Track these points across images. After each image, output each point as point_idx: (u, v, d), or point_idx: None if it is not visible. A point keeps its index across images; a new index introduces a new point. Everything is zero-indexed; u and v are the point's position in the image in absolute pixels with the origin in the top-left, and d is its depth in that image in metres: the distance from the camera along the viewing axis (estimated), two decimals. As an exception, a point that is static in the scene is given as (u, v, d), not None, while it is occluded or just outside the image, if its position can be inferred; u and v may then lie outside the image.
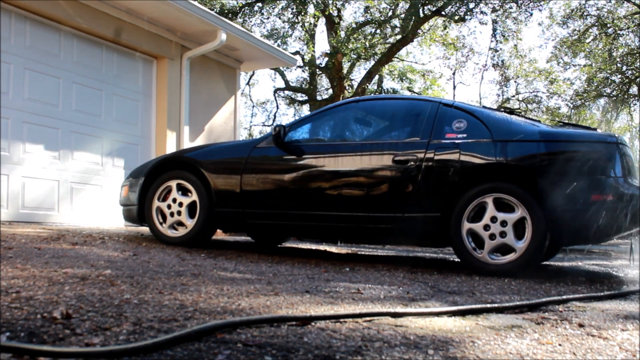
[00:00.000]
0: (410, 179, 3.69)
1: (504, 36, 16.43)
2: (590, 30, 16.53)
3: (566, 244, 4.63)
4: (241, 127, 21.55)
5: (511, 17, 15.69)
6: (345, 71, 16.11)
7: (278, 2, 15.77)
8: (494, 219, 3.44)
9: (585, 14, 16.17)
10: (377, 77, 17.33)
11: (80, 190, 5.98)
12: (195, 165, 4.29)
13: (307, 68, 17.76)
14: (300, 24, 16.21)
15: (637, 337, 1.81)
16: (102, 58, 6.32)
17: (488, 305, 2.18)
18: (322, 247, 5.56)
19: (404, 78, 18.68)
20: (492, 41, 16.92)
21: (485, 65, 18.69)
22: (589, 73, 17.67)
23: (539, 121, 4.01)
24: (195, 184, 4.22)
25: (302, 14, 15.52)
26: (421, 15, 14.87)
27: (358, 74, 17.99)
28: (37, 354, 1.19)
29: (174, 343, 1.36)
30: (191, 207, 4.23)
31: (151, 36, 6.66)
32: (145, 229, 5.36)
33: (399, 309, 2.08)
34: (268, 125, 22.65)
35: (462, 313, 2.05)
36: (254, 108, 23.91)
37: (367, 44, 15.21)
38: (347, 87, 15.86)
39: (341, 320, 1.80)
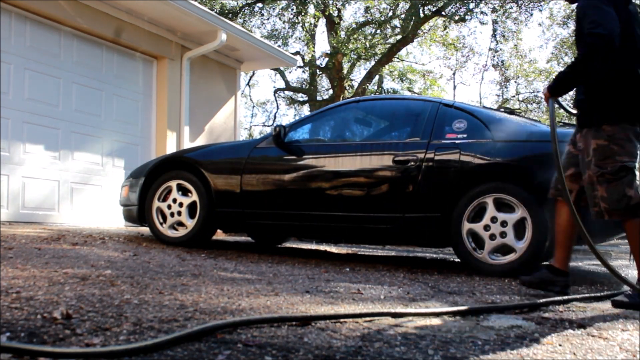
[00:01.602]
0: (410, 179, 3.69)
1: (504, 36, 16.44)
2: (590, 31, 16.50)
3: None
4: (241, 127, 21.55)
5: (511, 17, 15.68)
6: (345, 71, 16.11)
7: (278, 2, 15.77)
8: (494, 219, 3.44)
9: (585, 14, 16.14)
10: (377, 77, 17.33)
11: (80, 191, 5.98)
12: (196, 166, 4.29)
13: (307, 68, 17.77)
14: (301, 24, 16.21)
15: (637, 337, 1.81)
16: (102, 58, 6.32)
17: (489, 306, 2.18)
18: (322, 247, 5.56)
19: (404, 78, 18.68)
20: (492, 41, 16.93)
21: (486, 65, 18.70)
22: (589, 73, 17.64)
23: (539, 121, 4.01)
24: (196, 184, 4.22)
25: (302, 14, 15.52)
26: (421, 15, 14.87)
27: (358, 74, 18.01)
28: (38, 354, 1.19)
29: (174, 343, 1.36)
30: (191, 207, 4.23)
31: (151, 36, 6.66)
32: (145, 229, 5.36)
33: (399, 309, 2.08)
34: (268, 126, 22.66)
35: (462, 313, 2.05)
36: (254, 108, 23.92)
37: (367, 44, 15.21)
38: (347, 88, 15.86)
39: (341, 320, 1.80)
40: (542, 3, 15.23)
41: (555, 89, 2.52)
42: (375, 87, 17.82)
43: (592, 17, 2.30)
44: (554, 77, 2.53)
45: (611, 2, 2.34)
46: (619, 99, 2.42)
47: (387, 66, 16.68)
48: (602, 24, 2.27)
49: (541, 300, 2.37)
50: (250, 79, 19.95)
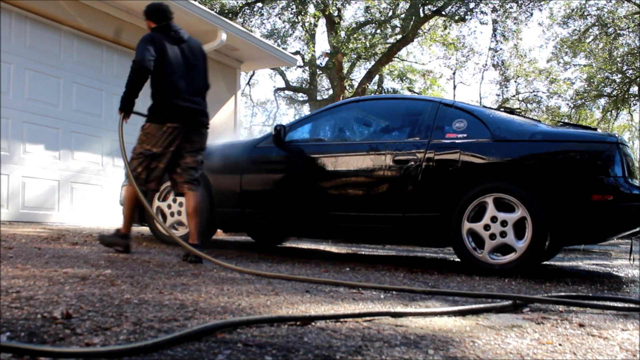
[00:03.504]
0: (410, 179, 3.69)
1: (504, 36, 16.44)
2: (590, 30, 16.55)
3: (566, 244, 4.63)
4: (241, 127, 21.55)
5: (511, 17, 15.69)
6: (345, 71, 16.12)
7: (278, 2, 15.78)
8: (494, 219, 3.44)
9: (585, 13, 16.19)
10: (377, 77, 17.34)
11: (80, 190, 5.98)
12: (196, 165, 4.29)
13: (307, 68, 17.78)
14: (301, 24, 16.22)
15: (637, 336, 1.81)
16: (102, 58, 6.32)
17: (487, 305, 2.18)
18: (322, 247, 5.57)
19: (404, 78, 18.68)
20: (492, 41, 16.94)
21: (485, 65, 18.70)
22: (589, 73, 17.69)
23: (539, 121, 4.01)
24: (196, 184, 4.21)
25: (302, 14, 15.52)
26: (421, 15, 14.88)
27: (358, 74, 18.01)
28: (38, 354, 1.19)
29: (174, 343, 1.36)
30: (191, 207, 4.23)
31: (151, 36, 6.65)
32: (145, 229, 5.36)
33: (399, 308, 2.08)
34: (268, 125, 22.70)
35: (462, 313, 2.05)
36: (254, 108, 23.97)
37: (367, 44, 15.21)
38: (347, 87, 15.86)
39: (341, 320, 1.80)
40: (542, 3, 15.24)
41: (122, 108, 3.51)
42: (375, 87, 17.82)
43: (137, 51, 3.38)
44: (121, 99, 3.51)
45: (154, 42, 3.43)
46: (154, 106, 3.47)
47: (387, 66, 16.68)
48: (138, 55, 3.34)
49: (532, 296, 2.37)
50: (250, 79, 19.96)
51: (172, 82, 3.43)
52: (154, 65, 3.37)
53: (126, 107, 3.49)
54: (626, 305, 2.37)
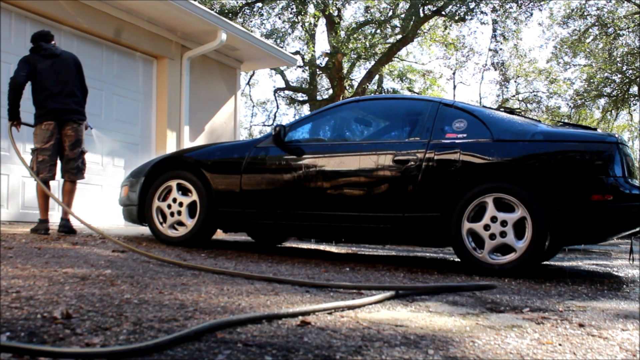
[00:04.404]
0: (410, 179, 3.69)
1: (504, 36, 16.45)
2: (590, 30, 16.55)
3: (566, 244, 4.63)
4: (241, 127, 21.56)
5: (511, 17, 15.70)
6: (345, 71, 16.12)
7: (278, 2, 15.78)
8: (494, 219, 3.44)
9: (585, 13, 16.19)
10: (377, 77, 17.34)
11: (80, 190, 5.96)
12: (196, 165, 4.29)
13: (307, 68, 17.78)
14: (300, 24, 16.22)
15: (637, 337, 1.81)
16: (102, 58, 6.32)
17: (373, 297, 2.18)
18: (322, 247, 5.57)
19: (404, 78, 18.69)
20: (492, 41, 16.94)
21: (485, 65, 18.71)
22: (589, 73, 17.69)
23: (539, 121, 4.01)
24: (196, 184, 4.22)
25: (302, 14, 15.52)
26: (421, 15, 14.88)
27: (358, 74, 18.02)
28: (37, 354, 1.19)
29: (175, 343, 1.36)
30: (191, 207, 4.23)
31: (151, 36, 6.66)
32: (145, 229, 5.35)
33: (400, 308, 2.08)
34: (268, 125, 22.68)
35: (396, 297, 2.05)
36: (254, 108, 23.94)
37: (367, 44, 15.21)
38: (347, 87, 15.87)
39: (341, 320, 1.81)
40: (542, 3, 15.25)
41: (10, 117, 4.35)
42: (375, 87, 17.83)
43: (15, 70, 4.28)
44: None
45: (27, 61, 4.27)
46: (35, 111, 4.33)
47: (387, 66, 16.69)
48: (14, 73, 4.24)
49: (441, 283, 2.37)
50: (250, 79, 19.97)
51: (44, 89, 4.28)
52: (29, 79, 4.24)
53: (12, 116, 4.33)
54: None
